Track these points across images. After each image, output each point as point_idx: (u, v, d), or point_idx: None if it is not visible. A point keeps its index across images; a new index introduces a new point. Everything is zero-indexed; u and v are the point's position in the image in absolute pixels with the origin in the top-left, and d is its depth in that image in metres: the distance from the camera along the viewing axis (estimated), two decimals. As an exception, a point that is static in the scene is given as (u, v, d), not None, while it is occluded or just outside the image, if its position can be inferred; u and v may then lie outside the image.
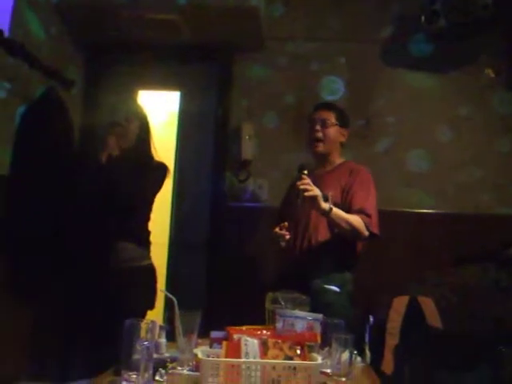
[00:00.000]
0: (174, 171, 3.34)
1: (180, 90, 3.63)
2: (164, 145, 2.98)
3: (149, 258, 2.59)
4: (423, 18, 3.13)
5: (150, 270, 2.57)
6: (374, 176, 3.25)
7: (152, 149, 2.65)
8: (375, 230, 2.37)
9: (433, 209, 3.30)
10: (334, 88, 3.41)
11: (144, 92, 3.57)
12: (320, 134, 2.52)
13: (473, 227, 3.15)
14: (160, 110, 3.92)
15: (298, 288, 2.09)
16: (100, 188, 2.48)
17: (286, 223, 2.41)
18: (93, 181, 2.48)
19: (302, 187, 2.21)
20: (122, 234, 2.50)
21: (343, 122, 2.59)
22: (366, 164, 3.20)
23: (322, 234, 2.43)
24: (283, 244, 2.40)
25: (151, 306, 2.48)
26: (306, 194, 2.20)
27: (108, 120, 2.56)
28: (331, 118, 2.55)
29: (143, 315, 2.39)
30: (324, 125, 2.53)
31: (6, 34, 2.55)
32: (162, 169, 2.65)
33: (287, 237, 2.39)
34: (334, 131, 2.54)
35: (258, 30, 3.26)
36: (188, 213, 3.45)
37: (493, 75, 3.32)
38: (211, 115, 3.53)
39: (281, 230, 2.40)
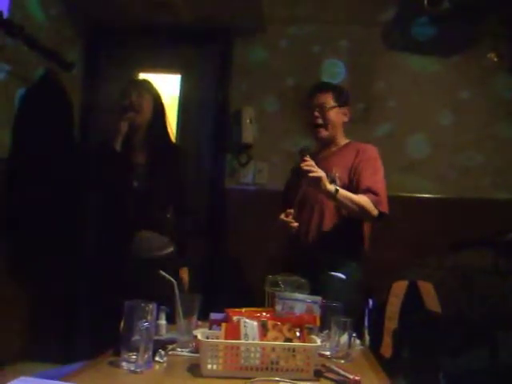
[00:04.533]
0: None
1: (180, 73, 3.61)
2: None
3: (171, 245, 2.57)
4: (426, 0, 3.09)
5: (173, 258, 2.54)
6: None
7: (167, 126, 2.64)
8: (384, 209, 2.29)
9: (433, 193, 3.30)
10: (335, 71, 3.39)
11: (144, 75, 3.54)
12: (320, 121, 2.44)
13: (473, 212, 3.15)
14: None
15: (303, 275, 2.05)
16: (119, 176, 2.47)
17: (292, 210, 2.35)
18: (109, 169, 2.46)
19: (305, 168, 2.14)
20: (144, 222, 2.48)
21: (343, 101, 2.48)
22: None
23: (328, 221, 2.37)
24: (293, 230, 2.34)
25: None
26: (311, 174, 2.13)
27: (119, 104, 2.52)
28: (329, 100, 2.45)
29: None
30: (323, 110, 2.44)
31: (5, 15, 2.52)
32: (181, 154, 2.66)
33: (295, 225, 2.33)
34: (334, 114, 2.45)
35: (258, 12, 3.23)
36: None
37: (495, 59, 3.29)
38: (212, 98, 3.51)
39: (287, 216, 2.34)
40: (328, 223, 2.37)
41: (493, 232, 2.93)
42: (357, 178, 2.34)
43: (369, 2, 3.33)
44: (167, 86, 3.86)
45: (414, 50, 3.37)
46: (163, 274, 1.75)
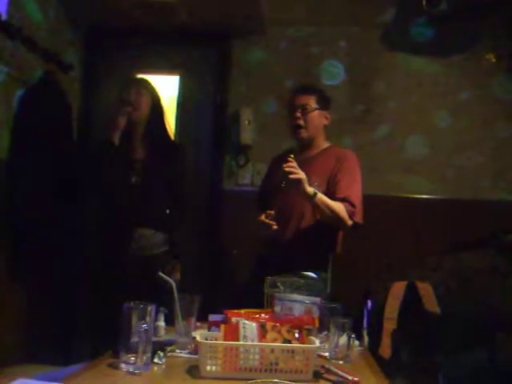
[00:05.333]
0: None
1: (179, 75, 3.62)
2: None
3: (168, 243, 2.57)
4: (424, 1, 3.09)
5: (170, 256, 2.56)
6: (374, 161, 3.26)
7: (166, 123, 2.65)
8: (359, 220, 2.32)
9: (432, 194, 3.30)
10: (334, 72, 3.39)
11: (143, 76, 3.54)
12: (301, 121, 2.44)
13: (472, 213, 3.15)
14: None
15: (276, 273, 2.05)
16: (117, 171, 2.48)
17: (272, 211, 2.34)
18: (107, 163, 2.48)
19: (287, 169, 2.17)
20: (143, 219, 2.49)
21: (324, 104, 2.49)
22: (366, 149, 3.20)
23: (305, 223, 2.38)
24: (271, 232, 2.34)
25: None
26: (291, 176, 2.16)
27: (118, 99, 2.54)
28: (311, 102, 2.45)
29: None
30: (304, 111, 2.44)
31: (4, 16, 2.52)
32: (180, 151, 2.67)
33: (275, 227, 2.32)
34: (315, 116, 2.45)
35: (258, 13, 3.23)
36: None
37: (494, 60, 3.29)
38: (210, 99, 3.52)
39: (266, 217, 2.34)
40: (305, 225, 2.38)
41: (492, 233, 2.93)
42: (334, 186, 2.35)
43: (367, 3, 3.33)
44: (166, 87, 3.86)
45: (413, 51, 3.37)
46: (162, 275, 1.76)
